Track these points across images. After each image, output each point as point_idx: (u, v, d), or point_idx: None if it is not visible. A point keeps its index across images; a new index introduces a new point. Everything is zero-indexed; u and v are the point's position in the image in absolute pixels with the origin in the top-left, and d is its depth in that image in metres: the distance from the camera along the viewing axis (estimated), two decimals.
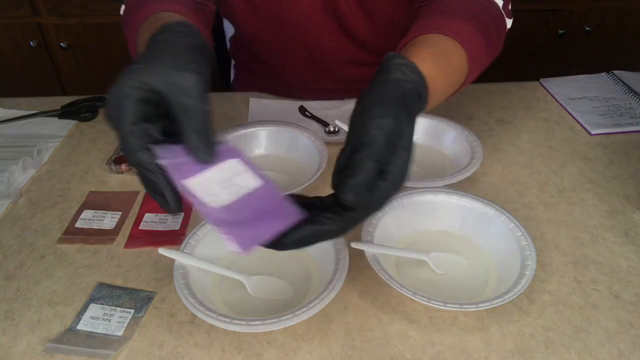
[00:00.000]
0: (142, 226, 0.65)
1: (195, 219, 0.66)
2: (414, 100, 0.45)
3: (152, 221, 0.66)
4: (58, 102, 0.93)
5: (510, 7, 0.67)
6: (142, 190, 0.72)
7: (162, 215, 0.67)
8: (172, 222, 0.66)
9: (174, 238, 0.63)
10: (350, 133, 0.42)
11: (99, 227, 0.65)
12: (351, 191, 0.38)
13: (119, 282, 0.58)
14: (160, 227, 0.65)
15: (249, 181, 0.42)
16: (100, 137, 0.85)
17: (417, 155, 0.75)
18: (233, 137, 0.76)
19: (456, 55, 0.55)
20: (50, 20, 1.74)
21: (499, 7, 0.65)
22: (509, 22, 0.67)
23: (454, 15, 0.58)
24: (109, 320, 0.53)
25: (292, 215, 0.40)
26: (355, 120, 0.42)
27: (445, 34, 0.55)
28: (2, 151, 0.79)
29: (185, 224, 0.65)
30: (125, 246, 0.63)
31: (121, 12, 0.69)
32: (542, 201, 0.69)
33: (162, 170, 0.39)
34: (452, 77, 0.55)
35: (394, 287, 0.51)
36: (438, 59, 0.51)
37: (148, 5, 0.59)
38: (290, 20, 0.81)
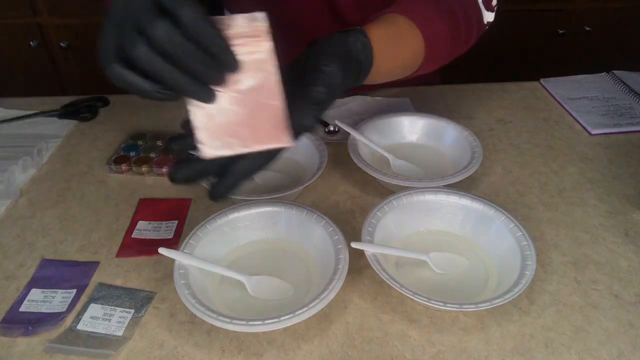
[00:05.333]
0: (135, 234, 0.65)
1: (188, 228, 0.66)
2: (358, 51, 0.51)
3: (145, 229, 0.66)
4: (58, 102, 0.93)
5: (494, 2, 0.66)
6: (146, 195, 0.72)
7: (155, 224, 0.66)
8: (165, 231, 0.65)
9: (166, 247, 0.62)
10: (295, 67, 0.47)
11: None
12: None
13: (119, 282, 0.58)
14: (153, 236, 0.64)
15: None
16: (100, 137, 0.85)
17: (417, 155, 0.76)
18: None
19: (410, 37, 0.58)
20: (50, 20, 1.74)
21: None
22: (489, 15, 0.67)
23: (423, 1, 0.61)
24: (109, 320, 0.53)
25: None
26: (304, 60, 0.47)
27: (404, 15, 0.58)
28: (2, 151, 0.79)
29: (178, 233, 0.65)
30: (117, 255, 0.62)
31: None
32: (542, 201, 0.69)
33: None
34: (402, 54, 0.58)
35: (394, 287, 0.51)
36: (388, 34, 0.56)
37: None
38: (289, 12, 0.81)
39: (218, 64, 0.36)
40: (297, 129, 0.42)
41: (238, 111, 0.38)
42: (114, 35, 0.36)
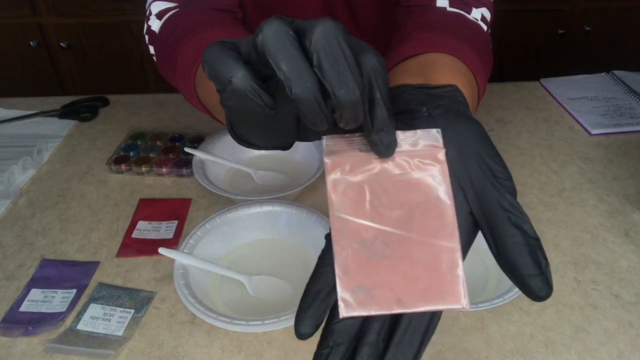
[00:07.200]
0: (135, 234, 0.65)
1: (188, 228, 0.66)
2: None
3: (145, 229, 0.66)
4: (58, 102, 0.93)
5: (489, 31, 0.66)
6: (146, 195, 0.72)
7: (155, 224, 0.66)
8: (165, 231, 0.65)
9: (166, 247, 0.62)
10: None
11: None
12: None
13: (119, 282, 0.58)
14: (153, 236, 0.64)
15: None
16: (100, 137, 0.85)
17: None
18: None
19: (475, 88, 0.50)
20: (50, 20, 1.74)
21: (485, 32, 0.62)
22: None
23: (463, 40, 0.52)
24: (109, 320, 0.53)
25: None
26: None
27: (464, 61, 0.49)
28: (2, 151, 0.79)
29: (178, 233, 0.65)
30: (117, 255, 0.62)
31: (151, 51, 0.67)
32: (542, 201, 0.69)
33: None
34: (474, 103, 0.50)
35: None
36: (472, 93, 0.47)
37: (192, 40, 0.56)
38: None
39: (371, 110, 0.27)
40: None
41: (395, 254, 0.28)
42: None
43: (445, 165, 0.30)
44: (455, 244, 0.29)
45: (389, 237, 0.28)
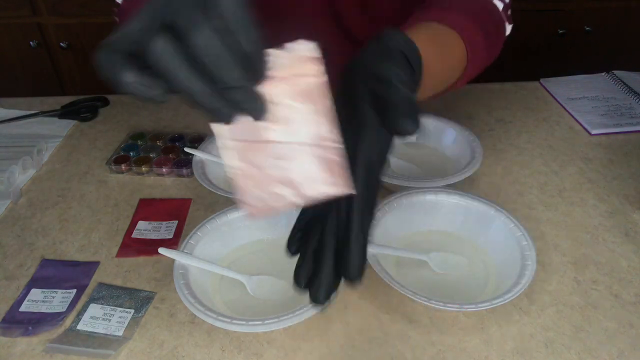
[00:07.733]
0: (135, 234, 0.65)
1: (188, 228, 0.66)
2: (402, 46, 0.40)
3: (145, 229, 0.66)
4: (58, 102, 0.93)
5: (509, 12, 0.66)
6: (146, 195, 0.72)
7: (155, 223, 0.66)
8: (165, 231, 0.65)
9: (166, 247, 0.63)
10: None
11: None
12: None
13: (119, 282, 0.58)
14: (153, 236, 0.64)
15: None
16: (100, 137, 0.85)
17: (417, 155, 0.76)
18: None
19: (454, 44, 0.52)
20: (50, 20, 1.74)
21: (499, 10, 0.64)
22: (508, 28, 0.66)
23: (454, 9, 0.56)
24: (109, 320, 0.53)
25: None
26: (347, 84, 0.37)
27: (444, 23, 0.52)
28: (2, 151, 0.79)
29: (178, 233, 0.65)
30: (117, 255, 0.62)
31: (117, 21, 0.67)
32: (542, 201, 0.69)
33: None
34: (448, 62, 0.51)
35: (394, 287, 0.51)
36: (434, 40, 0.48)
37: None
38: (290, 19, 0.81)
39: (251, 69, 0.30)
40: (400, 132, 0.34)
41: (286, 163, 0.32)
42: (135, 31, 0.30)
43: (322, 74, 0.31)
44: (334, 137, 0.32)
45: (278, 153, 0.32)
